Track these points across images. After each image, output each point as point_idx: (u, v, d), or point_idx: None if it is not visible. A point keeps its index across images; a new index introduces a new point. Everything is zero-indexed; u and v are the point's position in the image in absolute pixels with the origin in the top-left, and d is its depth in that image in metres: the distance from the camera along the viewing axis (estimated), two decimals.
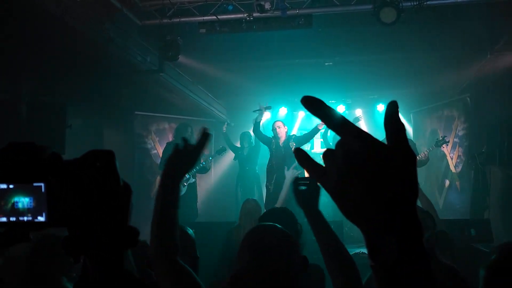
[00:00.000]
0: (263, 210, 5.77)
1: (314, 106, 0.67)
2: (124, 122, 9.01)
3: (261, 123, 7.76)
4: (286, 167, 6.25)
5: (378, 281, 0.65)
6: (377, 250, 0.64)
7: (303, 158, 0.69)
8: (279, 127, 7.37)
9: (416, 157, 0.67)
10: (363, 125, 9.76)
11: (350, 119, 10.52)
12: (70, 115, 6.08)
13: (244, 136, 8.88)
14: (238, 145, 8.93)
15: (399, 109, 0.66)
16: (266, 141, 7.67)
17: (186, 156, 1.71)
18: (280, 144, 7.33)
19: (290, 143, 7.26)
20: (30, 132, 5.83)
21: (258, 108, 7.75)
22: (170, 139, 9.14)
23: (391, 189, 0.63)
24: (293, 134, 7.87)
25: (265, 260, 1.51)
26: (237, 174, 8.97)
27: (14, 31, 5.22)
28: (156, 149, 9.44)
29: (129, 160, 9.06)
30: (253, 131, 7.96)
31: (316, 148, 11.12)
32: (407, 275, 0.63)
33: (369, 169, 0.63)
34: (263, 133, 7.78)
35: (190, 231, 2.27)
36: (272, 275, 1.50)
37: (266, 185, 7.52)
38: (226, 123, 8.61)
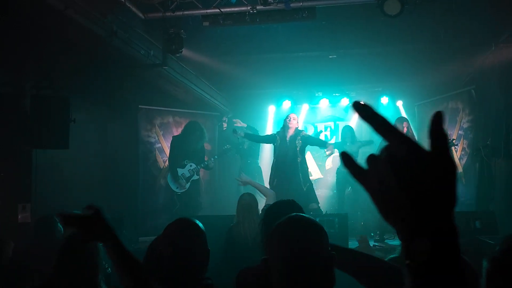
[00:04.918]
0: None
1: (364, 111, 0.70)
2: (128, 116, 9.00)
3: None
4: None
5: (409, 280, 0.69)
6: (410, 251, 0.68)
7: (347, 161, 0.72)
8: (294, 119, 7.29)
9: (456, 167, 0.70)
10: None
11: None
12: (73, 109, 6.08)
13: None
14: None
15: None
16: (269, 139, 7.71)
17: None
18: (287, 137, 7.23)
19: (297, 140, 7.18)
20: (34, 126, 5.85)
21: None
22: (175, 133, 9.13)
23: (430, 195, 0.67)
24: (302, 130, 7.61)
25: (303, 253, 1.48)
26: (239, 167, 8.94)
27: (16, 25, 5.22)
28: (160, 142, 9.44)
29: (133, 153, 9.06)
30: (252, 141, 8.15)
31: None
32: (436, 278, 0.66)
33: (411, 174, 0.67)
34: (257, 135, 8.13)
35: (200, 224, 2.22)
36: (308, 268, 1.47)
37: (269, 181, 7.41)
38: (225, 119, 8.60)
